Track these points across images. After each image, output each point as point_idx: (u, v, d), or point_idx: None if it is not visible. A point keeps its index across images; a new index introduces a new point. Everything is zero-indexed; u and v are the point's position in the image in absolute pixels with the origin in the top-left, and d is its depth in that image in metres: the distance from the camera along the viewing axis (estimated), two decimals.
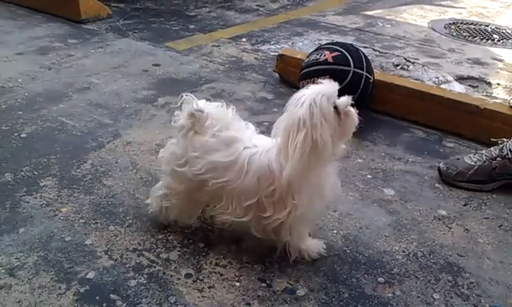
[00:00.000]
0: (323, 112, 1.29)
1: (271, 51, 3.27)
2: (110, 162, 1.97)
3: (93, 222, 1.64)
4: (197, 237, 1.59)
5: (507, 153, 1.91)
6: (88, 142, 2.10)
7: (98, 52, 3.12)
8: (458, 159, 2.01)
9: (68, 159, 1.98)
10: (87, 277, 1.43)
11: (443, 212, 1.80)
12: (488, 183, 1.93)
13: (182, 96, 1.47)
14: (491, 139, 2.02)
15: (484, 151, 1.98)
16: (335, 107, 1.32)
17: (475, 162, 1.95)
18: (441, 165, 2.01)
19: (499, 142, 1.97)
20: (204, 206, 1.57)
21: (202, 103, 1.45)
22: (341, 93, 1.37)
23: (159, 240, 1.58)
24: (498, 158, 1.92)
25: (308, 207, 1.41)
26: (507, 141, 1.93)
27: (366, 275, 1.49)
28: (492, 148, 1.97)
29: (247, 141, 1.43)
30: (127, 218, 1.67)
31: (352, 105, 1.36)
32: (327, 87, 1.33)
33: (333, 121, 1.32)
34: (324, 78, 1.37)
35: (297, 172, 1.30)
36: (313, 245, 1.55)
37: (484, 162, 1.94)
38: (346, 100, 1.35)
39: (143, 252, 1.52)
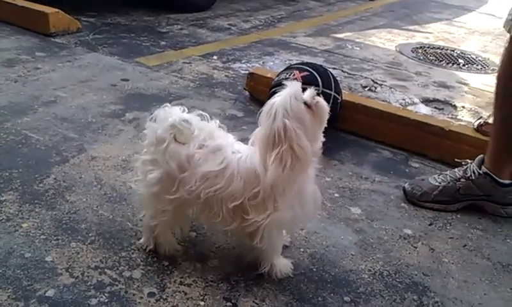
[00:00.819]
0: (297, 114, 1.31)
1: (242, 69, 3.29)
2: (74, 177, 1.93)
3: (55, 238, 1.59)
4: (161, 255, 1.56)
5: (471, 175, 1.94)
6: (51, 157, 2.05)
7: (66, 65, 3.07)
8: (423, 180, 2.04)
9: (30, 173, 1.92)
10: (46, 295, 1.38)
11: (409, 231, 1.82)
12: (452, 203, 1.96)
13: (159, 108, 1.46)
14: (456, 160, 2.06)
15: (448, 172, 2.02)
16: (305, 103, 1.34)
17: (440, 183, 1.98)
18: (406, 185, 2.03)
19: (463, 163, 2.01)
20: (193, 218, 1.56)
21: (187, 115, 1.45)
22: None
23: (122, 257, 1.54)
24: (462, 180, 1.95)
25: (288, 211, 1.40)
26: (471, 163, 1.97)
27: (332, 295, 1.49)
28: (456, 169, 2.01)
29: (231, 146, 1.44)
30: (90, 235, 1.62)
31: (317, 94, 1.38)
32: (292, 88, 1.35)
33: (308, 116, 1.34)
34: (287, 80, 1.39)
35: (280, 179, 1.32)
36: (284, 264, 1.55)
37: (449, 183, 1.97)
38: (311, 91, 1.37)
39: (105, 270, 1.48)
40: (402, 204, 1.98)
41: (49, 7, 3.64)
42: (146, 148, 1.48)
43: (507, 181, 1.92)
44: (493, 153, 1.93)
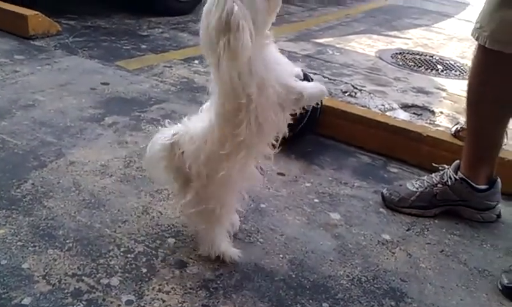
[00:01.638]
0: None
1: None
2: (52, 182, 1.91)
3: (31, 245, 1.57)
4: (140, 262, 1.55)
5: (447, 180, 1.97)
6: (29, 161, 2.02)
7: (45, 68, 3.04)
8: (401, 185, 2.06)
9: (7, 178, 1.90)
10: (22, 303, 1.36)
11: (387, 237, 1.84)
12: (430, 209, 1.98)
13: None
14: (433, 165, 2.09)
15: (425, 178, 2.04)
16: None
17: (417, 189, 2.00)
18: (384, 191, 2.05)
19: (440, 168, 2.03)
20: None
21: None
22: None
23: (99, 264, 1.52)
24: (439, 185, 1.98)
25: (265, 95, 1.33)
26: (448, 168, 2.00)
27: (311, 301, 1.49)
28: (433, 175, 2.03)
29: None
30: (67, 241, 1.61)
31: None
32: None
33: (263, 4, 1.27)
34: None
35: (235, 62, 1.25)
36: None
37: (426, 188, 1.99)
38: None
39: (83, 278, 1.47)
40: (381, 209, 2.00)
41: (28, 10, 3.58)
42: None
43: (483, 187, 1.95)
44: (467, 158, 1.95)
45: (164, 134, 1.48)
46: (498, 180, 1.97)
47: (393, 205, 2.01)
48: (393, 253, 1.75)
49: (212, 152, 1.38)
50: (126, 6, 4.71)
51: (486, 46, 1.74)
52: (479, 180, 1.95)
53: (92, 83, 2.89)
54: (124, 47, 3.63)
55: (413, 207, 1.99)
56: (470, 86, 1.89)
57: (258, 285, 1.53)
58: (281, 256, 1.67)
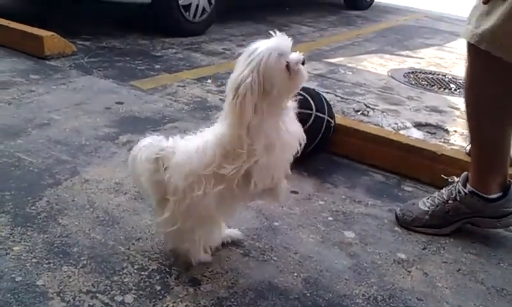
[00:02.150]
0: (271, 72, 1.30)
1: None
2: (66, 200, 1.92)
3: (46, 262, 1.58)
4: (154, 280, 1.55)
5: (456, 196, 1.94)
6: (44, 179, 2.04)
7: (60, 88, 3.08)
8: (414, 204, 2.04)
9: (23, 196, 1.91)
10: None
11: (403, 256, 1.81)
12: (445, 226, 1.96)
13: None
14: (442, 176, 2.06)
15: (436, 195, 2.01)
16: (287, 63, 1.33)
17: (429, 207, 1.97)
18: (397, 211, 2.04)
19: (450, 179, 2.00)
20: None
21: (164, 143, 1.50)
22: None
23: (114, 282, 1.52)
24: (449, 201, 1.95)
25: (271, 157, 1.41)
26: (457, 182, 1.96)
27: None
28: (443, 190, 2.00)
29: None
30: (81, 258, 1.61)
31: (303, 62, 1.37)
32: (280, 42, 1.34)
33: (282, 77, 1.33)
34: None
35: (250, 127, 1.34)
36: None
37: (437, 206, 1.96)
38: (297, 56, 1.36)
39: (97, 295, 1.47)
40: (396, 228, 1.99)
41: (44, 31, 3.65)
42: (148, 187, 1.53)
43: (495, 196, 1.90)
44: (475, 170, 1.92)
45: (152, 148, 1.50)
46: None
47: (407, 225, 1.98)
48: (409, 272, 1.73)
49: (195, 169, 1.41)
50: (140, 27, 4.78)
51: (474, 43, 1.69)
52: (490, 189, 1.90)
53: (107, 102, 2.92)
54: (138, 67, 3.68)
55: (427, 226, 1.96)
56: (466, 93, 1.86)
57: (273, 303, 1.51)
58: (295, 274, 1.66)
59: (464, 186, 1.93)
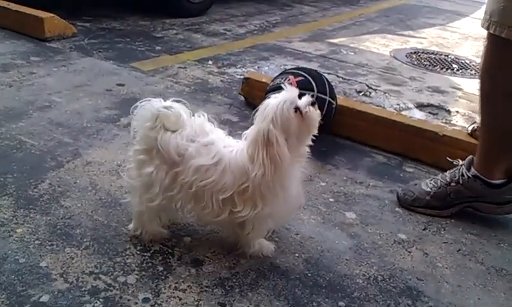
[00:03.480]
0: (285, 120, 1.39)
1: (237, 74, 3.29)
2: (69, 182, 1.93)
3: (49, 243, 1.59)
4: (156, 260, 1.56)
5: (459, 178, 1.94)
6: (46, 162, 2.05)
7: (61, 70, 3.07)
8: (415, 185, 2.05)
9: (25, 178, 1.92)
10: (40, 300, 1.37)
11: (403, 236, 1.82)
12: (446, 208, 1.97)
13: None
14: (447, 159, 2.05)
15: (439, 177, 2.02)
16: (298, 109, 1.42)
17: (431, 188, 1.98)
18: (399, 191, 2.04)
19: (454, 162, 2.00)
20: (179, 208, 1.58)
21: (168, 102, 1.51)
22: None
23: (116, 263, 1.54)
24: (452, 184, 1.95)
25: (276, 207, 1.49)
26: (461, 165, 1.96)
27: (327, 300, 1.49)
28: (447, 172, 2.00)
29: (222, 140, 1.51)
30: (84, 240, 1.62)
31: (312, 103, 1.45)
32: (288, 92, 1.43)
33: (296, 123, 1.42)
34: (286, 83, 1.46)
35: (268, 177, 1.40)
36: (266, 245, 1.64)
37: (439, 188, 1.97)
38: (306, 100, 1.45)
39: (100, 276, 1.48)
40: (397, 208, 1.99)
41: (44, 12, 3.63)
42: (138, 140, 1.54)
43: (498, 182, 1.90)
44: (482, 154, 1.91)
45: (156, 105, 1.51)
46: None
47: (408, 205, 1.99)
48: (410, 252, 1.74)
49: (211, 182, 1.46)
50: (140, 8, 4.75)
51: (495, 33, 1.70)
52: (495, 175, 1.90)
53: (108, 84, 2.91)
54: (139, 49, 3.66)
55: (428, 207, 1.97)
56: (481, 78, 1.86)
57: (274, 283, 1.53)
58: (296, 255, 1.67)
59: (469, 170, 1.93)
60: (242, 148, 1.47)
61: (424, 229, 1.88)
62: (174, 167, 1.48)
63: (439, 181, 1.99)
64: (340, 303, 1.48)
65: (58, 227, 1.67)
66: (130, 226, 1.65)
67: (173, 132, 1.47)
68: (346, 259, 1.67)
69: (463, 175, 1.93)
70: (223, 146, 1.49)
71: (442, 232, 1.87)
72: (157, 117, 1.47)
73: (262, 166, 1.38)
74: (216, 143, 1.48)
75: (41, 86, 2.80)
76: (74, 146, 2.19)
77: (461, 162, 1.98)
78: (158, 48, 3.73)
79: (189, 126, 1.49)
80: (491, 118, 1.88)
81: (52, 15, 3.63)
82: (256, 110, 1.44)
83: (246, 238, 1.57)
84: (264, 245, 1.63)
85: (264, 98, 2.20)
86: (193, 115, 1.55)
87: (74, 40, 3.67)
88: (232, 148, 1.49)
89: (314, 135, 1.50)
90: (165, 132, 1.47)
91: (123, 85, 2.93)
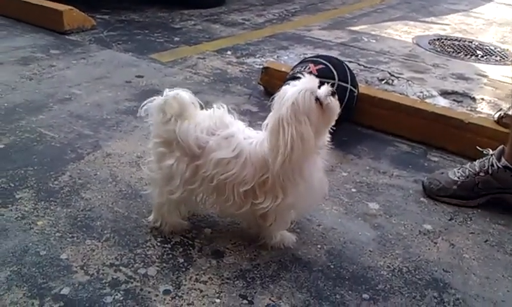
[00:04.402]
0: (306, 108, 1.36)
1: (256, 64, 3.26)
2: (89, 174, 1.92)
3: (70, 236, 1.59)
4: (177, 252, 1.55)
5: (489, 168, 1.88)
6: (67, 154, 2.05)
7: (80, 63, 3.08)
8: (442, 173, 1.99)
9: (45, 171, 1.92)
10: (61, 293, 1.37)
11: (429, 227, 1.78)
12: (473, 198, 1.91)
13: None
14: (477, 148, 1.99)
15: (468, 166, 1.96)
16: (317, 99, 1.39)
17: (458, 178, 1.93)
18: (424, 180, 2.00)
19: (484, 152, 1.94)
20: (201, 200, 1.57)
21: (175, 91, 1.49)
22: None
23: (137, 255, 1.53)
24: (481, 174, 1.89)
25: (297, 198, 1.46)
26: (491, 155, 1.91)
27: (350, 292, 1.46)
28: (476, 162, 1.94)
29: (242, 132, 1.48)
30: (105, 232, 1.61)
31: (332, 93, 1.42)
32: (308, 81, 1.40)
33: (316, 113, 1.39)
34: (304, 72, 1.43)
35: (287, 165, 1.36)
36: (288, 236, 1.62)
37: (467, 177, 1.91)
38: (326, 90, 1.42)
39: (120, 268, 1.47)
40: (422, 199, 1.94)
41: (63, 5, 3.65)
42: (155, 133, 1.52)
43: None
44: None
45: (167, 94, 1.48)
46: None
47: (434, 194, 1.94)
48: (436, 243, 1.69)
49: (232, 174, 1.45)
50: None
51: None
52: None
53: (127, 76, 2.91)
54: (158, 40, 3.65)
55: (454, 197, 1.92)
56: None
57: (296, 275, 1.50)
58: (318, 246, 1.63)
59: (499, 160, 1.87)
60: (262, 140, 1.44)
61: (450, 220, 1.83)
62: (195, 160, 1.46)
63: (467, 170, 1.93)
64: (364, 295, 1.45)
65: (79, 219, 1.67)
66: (150, 218, 1.64)
67: (185, 120, 1.45)
68: (370, 251, 1.63)
69: (492, 165, 1.87)
70: (243, 138, 1.46)
71: (469, 222, 1.82)
72: (163, 108, 1.45)
73: (281, 154, 1.34)
74: (236, 135, 1.46)
75: (61, 79, 2.81)
76: (94, 138, 2.19)
77: (491, 152, 1.92)
78: (177, 39, 3.71)
79: (207, 119, 1.47)
80: None
81: (71, 7, 3.64)
82: (274, 98, 1.41)
83: (268, 230, 1.55)
84: (285, 236, 1.61)
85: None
86: (206, 105, 1.52)
87: (93, 33, 3.68)
88: (251, 139, 1.47)
89: (334, 125, 1.47)
90: (182, 123, 1.45)
91: (142, 76, 2.92)
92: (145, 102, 1.50)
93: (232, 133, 1.46)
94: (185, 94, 1.47)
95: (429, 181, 1.97)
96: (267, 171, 1.42)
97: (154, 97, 1.49)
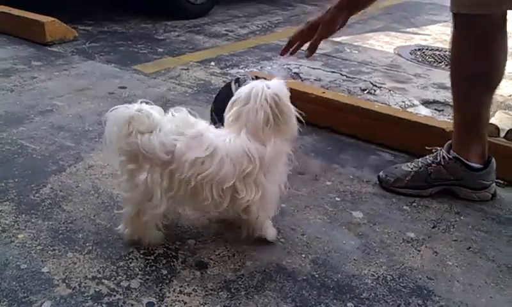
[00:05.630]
0: (286, 98, 1.48)
1: (240, 75, 3.26)
2: (71, 186, 1.90)
3: (51, 249, 1.56)
4: (160, 264, 1.53)
5: (441, 160, 1.98)
6: (48, 166, 2.02)
7: (62, 74, 3.05)
8: (396, 167, 2.08)
9: (26, 183, 1.90)
10: (43, 306, 1.35)
11: (412, 235, 1.79)
12: (426, 188, 2.00)
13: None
14: (426, 147, 2.08)
15: (420, 159, 2.06)
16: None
17: (412, 169, 2.02)
18: (380, 173, 2.08)
19: (433, 150, 2.04)
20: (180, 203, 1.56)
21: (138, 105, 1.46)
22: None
23: (119, 267, 1.51)
24: (433, 165, 2.00)
25: (275, 187, 1.52)
26: (441, 149, 2.01)
27: (335, 301, 1.45)
28: (427, 156, 2.04)
29: (209, 130, 1.47)
30: (87, 244, 1.59)
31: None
32: (280, 81, 1.50)
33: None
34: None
35: (274, 152, 1.45)
36: (273, 231, 1.66)
37: (420, 168, 2.01)
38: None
39: (103, 280, 1.45)
40: (405, 206, 1.95)
41: (45, 17, 3.62)
42: (120, 150, 1.47)
43: (477, 166, 1.95)
44: (457, 137, 1.97)
45: (126, 110, 1.44)
46: (493, 160, 1.97)
47: (389, 186, 2.03)
48: (419, 251, 1.70)
49: (212, 172, 1.44)
50: (142, 10, 4.73)
51: (454, 12, 1.81)
52: (471, 158, 1.95)
53: (110, 87, 2.89)
54: (141, 51, 3.64)
55: (409, 187, 2.00)
56: (453, 60, 1.93)
57: (281, 285, 1.49)
58: (303, 255, 1.63)
59: (448, 152, 1.98)
60: (237, 135, 1.45)
61: (433, 227, 1.84)
62: (167, 166, 1.42)
63: (420, 162, 2.04)
64: (349, 304, 1.45)
65: (60, 232, 1.64)
66: (125, 231, 1.59)
67: (149, 133, 1.42)
68: (354, 259, 1.63)
69: (443, 157, 1.98)
70: (214, 136, 1.45)
71: (451, 230, 1.83)
72: (130, 122, 1.41)
73: (274, 144, 1.43)
74: (205, 134, 1.44)
75: (43, 90, 2.78)
76: (76, 150, 2.16)
77: (439, 148, 2.03)
78: (160, 50, 3.71)
79: (168, 123, 1.43)
80: (460, 103, 1.96)
81: (53, 19, 3.62)
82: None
83: (256, 223, 1.57)
84: (269, 229, 1.65)
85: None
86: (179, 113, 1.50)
87: (76, 44, 3.66)
88: (223, 136, 1.45)
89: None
90: (142, 135, 1.41)
91: (125, 88, 2.91)
92: (109, 110, 1.45)
93: (199, 132, 1.44)
94: (155, 110, 1.45)
95: (385, 174, 2.06)
96: (249, 165, 1.43)
97: (117, 106, 1.45)
